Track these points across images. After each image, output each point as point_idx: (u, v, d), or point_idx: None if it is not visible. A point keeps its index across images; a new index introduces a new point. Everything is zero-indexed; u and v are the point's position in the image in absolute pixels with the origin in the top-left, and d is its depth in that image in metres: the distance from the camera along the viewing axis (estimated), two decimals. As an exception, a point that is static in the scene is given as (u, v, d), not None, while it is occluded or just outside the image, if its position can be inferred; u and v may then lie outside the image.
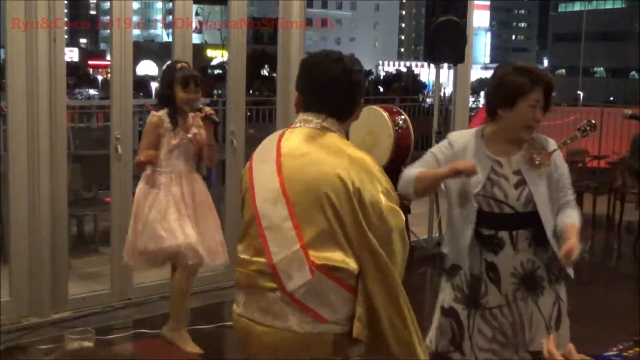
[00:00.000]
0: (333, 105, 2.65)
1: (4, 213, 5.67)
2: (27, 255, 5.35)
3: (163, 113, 4.75)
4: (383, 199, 2.58)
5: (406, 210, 7.34)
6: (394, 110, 7.73)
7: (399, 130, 7.28)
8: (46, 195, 5.37)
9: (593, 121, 5.46)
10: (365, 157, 2.64)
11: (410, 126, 7.40)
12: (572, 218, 3.25)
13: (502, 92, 3.21)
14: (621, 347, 3.27)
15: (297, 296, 2.53)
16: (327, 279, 2.53)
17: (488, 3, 78.70)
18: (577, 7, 72.36)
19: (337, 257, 2.54)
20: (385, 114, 7.31)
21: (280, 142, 2.67)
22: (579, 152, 10.94)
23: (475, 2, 8.33)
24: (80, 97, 33.74)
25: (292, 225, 2.54)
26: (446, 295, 3.47)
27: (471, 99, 10.51)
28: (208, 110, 4.74)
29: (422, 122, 10.46)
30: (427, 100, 22.52)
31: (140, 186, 4.84)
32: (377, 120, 7.28)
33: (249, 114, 9.50)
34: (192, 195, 4.80)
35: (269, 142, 2.74)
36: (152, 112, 4.87)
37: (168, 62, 5.02)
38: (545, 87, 3.23)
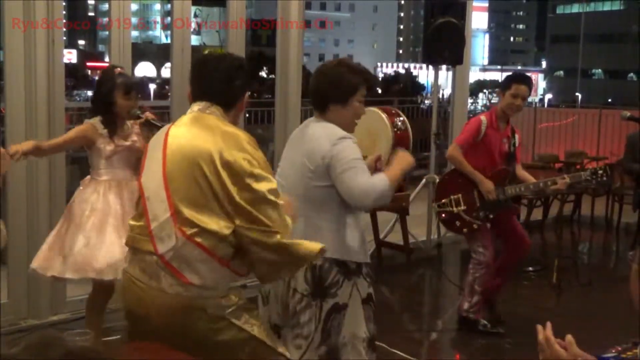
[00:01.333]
0: (215, 94, 3.07)
1: (3, 215, 5.66)
2: (25, 257, 5.34)
3: (96, 121, 4.62)
4: (248, 166, 2.88)
5: (405, 212, 7.34)
6: (393, 111, 7.68)
7: (398, 132, 7.23)
8: (44, 197, 5.37)
9: (608, 170, 5.44)
10: (237, 132, 2.99)
11: (409, 128, 7.35)
12: None
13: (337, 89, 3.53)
14: (620, 348, 3.26)
15: (167, 258, 2.88)
16: (193, 245, 2.86)
17: (486, 5, 78.66)
18: (575, 9, 72.34)
19: (209, 222, 2.86)
20: (384, 116, 7.27)
21: (170, 127, 3.10)
22: (577, 154, 10.96)
23: (474, 4, 8.33)
24: (78, 99, 33.70)
25: (166, 196, 2.90)
26: (363, 287, 3.56)
27: (469, 101, 10.50)
28: (149, 115, 4.63)
29: (421, 123, 10.47)
30: (426, 101, 22.54)
31: (80, 190, 4.71)
32: (375, 121, 7.23)
33: (247, 115, 9.50)
34: (131, 204, 4.69)
35: (163, 130, 3.16)
36: (86, 120, 4.72)
37: (105, 68, 4.89)
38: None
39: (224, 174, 2.86)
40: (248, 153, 2.91)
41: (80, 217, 4.55)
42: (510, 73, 6.13)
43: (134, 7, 66.53)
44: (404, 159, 3.71)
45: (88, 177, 4.73)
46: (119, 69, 4.76)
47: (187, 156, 2.92)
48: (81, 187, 4.73)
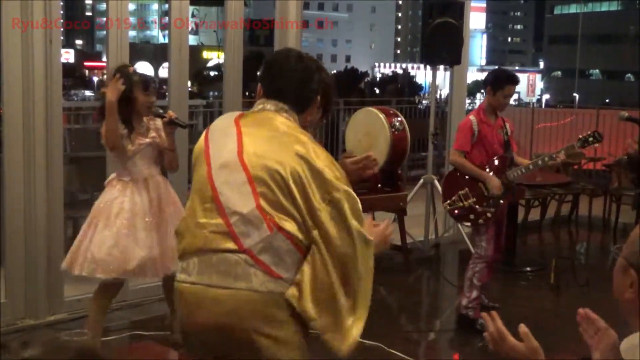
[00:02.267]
0: (289, 95, 2.87)
1: (0, 215, 5.65)
2: (22, 257, 5.34)
3: None
4: (333, 178, 2.70)
5: (402, 212, 7.34)
6: (391, 112, 7.73)
7: (396, 132, 7.27)
8: (42, 197, 5.36)
9: (597, 135, 5.48)
10: (317, 145, 2.79)
11: (407, 128, 7.39)
12: None
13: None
14: (617, 349, 3.26)
15: (255, 252, 2.64)
16: (283, 236, 2.65)
17: (484, 5, 78.69)
18: (572, 9, 72.39)
19: (289, 225, 2.66)
20: (382, 116, 7.31)
21: (239, 121, 2.87)
22: (574, 155, 10.93)
23: (472, 4, 8.33)
24: (76, 99, 33.72)
25: (251, 189, 2.68)
26: None
27: (467, 101, 10.51)
28: (172, 114, 4.63)
29: (419, 124, 10.48)
30: (423, 102, 22.55)
31: (107, 191, 4.69)
32: (373, 122, 7.28)
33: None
34: (159, 201, 4.67)
35: (226, 121, 2.94)
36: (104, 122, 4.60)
37: (117, 67, 4.76)
38: None
39: (309, 187, 2.67)
40: (335, 167, 2.75)
41: (107, 218, 4.56)
42: (496, 70, 6.04)
43: (132, 6, 66.51)
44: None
45: (113, 177, 4.72)
46: (130, 67, 4.78)
47: (265, 160, 2.71)
48: (107, 188, 4.73)
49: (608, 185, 9.38)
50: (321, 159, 2.73)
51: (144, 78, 4.70)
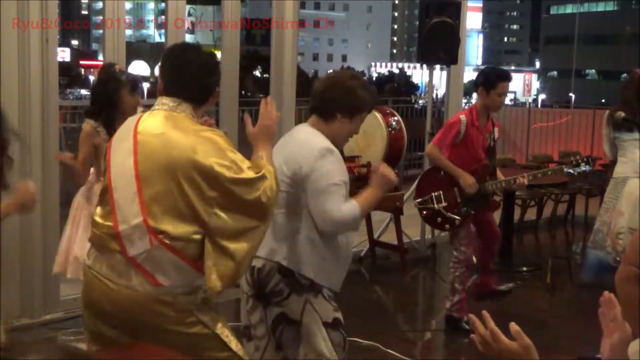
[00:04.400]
0: (188, 90, 2.96)
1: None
2: (18, 256, 5.33)
3: (92, 122, 4.58)
4: (228, 172, 2.81)
5: (399, 211, 7.34)
6: (387, 111, 7.73)
7: (392, 132, 7.28)
8: (38, 196, 5.33)
9: (590, 160, 5.49)
10: (214, 137, 2.89)
11: (404, 127, 7.40)
12: None
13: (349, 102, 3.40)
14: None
15: (138, 261, 2.85)
16: (166, 249, 2.83)
17: (480, 5, 78.79)
18: (569, 9, 72.51)
19: (180, 228, 2.83)
20: (379, 116, 7.31)
21: (138, 123, 2.97)
22: (570, 154, 10.96)
23: (468, 4, 8.33)
24: (72, 97, 33.65)
25: (139, 201, 2.83)
26: (323, 309, 3.37)
27: (463, 101, 10.51)
28: None
29: (415, 123, 10.49)
30: (420, 101, 22.56)
31: (79, 199, 4.71)
32: (370, 121, 7.26)
33: (242, 115, 9.44)
34: None
35: (129, 123, 3.04)
36: (87, 120, 4.63)
37: (104, 66, 4.74)
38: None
39: (201, 182, 2.80)
40: (227, 159, 2.84)
41: (88, 216, 4.54)
42: (485, 70, 5.95)
43: (128, 5, 66.39)
44: (383, 180, 3.41)
45: (92, 176, 4.69)
46: (118, 66, 4.73)
47: (161, 162, 2.83)
48: (84, 188, 4.70)
49: (604, 185, 9.37)
50: (210, 154, 2.82)
51: (132, 78, 4.64)
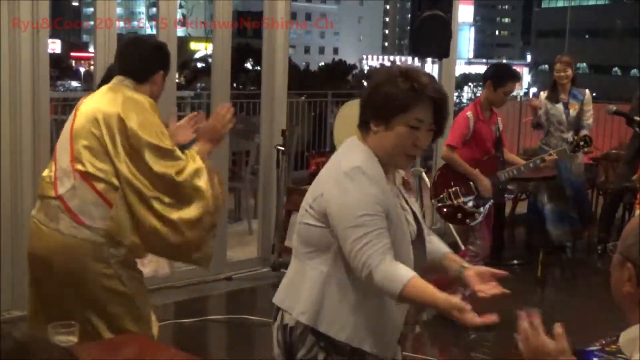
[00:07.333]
0: (129, 69, 3.48)
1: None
2: (9, 248, 5.31)
3: None
4: (147, 135, 3.29)
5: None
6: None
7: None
8: (29, 188, 5.32)
9: (588, 140, 5.49)
10: (139, 98, 3.40)
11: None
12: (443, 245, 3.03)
13: (375, 104, 2.61)
14: (603, 342, 3.29)
15: (65, 199, 3.31)
16: (88, 186, 3.29)
17: (472, -2, 78.78)
18: (560, 3, 72.65)
19: (104, 168, 3.29)
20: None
21: (86, 97, 3.58)
22: (566, 157, 10.97)
23: (460, -3, 8.33)
24: (62, 89, 33.56)
25: (69, 149, 3.34)
26: None
27: (455, 94, 10.52)
28: None
29: (407, 116, 10.45)
30: (411, 95, 22.51)
31: None
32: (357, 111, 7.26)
33: (233, 107, 9.42)
34: None
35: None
36: None
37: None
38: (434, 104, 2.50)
39: (118, 136, 3.27)
40: (146, 116, 3.32)
41: None
42: (498, 65, 5.99)
43: (119, -3, 66.21)
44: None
45: None
46: None
47: (89, 114, 3.34)
48: None
49: (595, 179, 9.40)
50: (135, 113, 3.32)
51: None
